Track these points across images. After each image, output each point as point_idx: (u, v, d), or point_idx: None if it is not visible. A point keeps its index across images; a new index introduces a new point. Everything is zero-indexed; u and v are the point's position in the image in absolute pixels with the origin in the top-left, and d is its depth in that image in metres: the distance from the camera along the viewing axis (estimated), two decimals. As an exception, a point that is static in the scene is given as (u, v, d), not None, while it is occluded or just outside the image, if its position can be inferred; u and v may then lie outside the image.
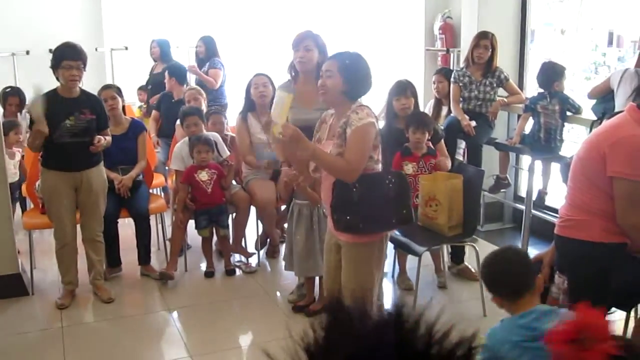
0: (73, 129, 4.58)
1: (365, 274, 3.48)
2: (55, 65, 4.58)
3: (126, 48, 9.06)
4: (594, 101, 5.34)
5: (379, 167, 3.46)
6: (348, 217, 3.36)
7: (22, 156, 5.87)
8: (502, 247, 3.01)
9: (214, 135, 5.40)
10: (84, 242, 4.92)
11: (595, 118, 5.13)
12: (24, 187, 5.78)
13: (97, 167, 4.80)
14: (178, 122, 6.00)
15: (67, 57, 4.54)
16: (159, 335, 4.59)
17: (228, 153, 5.48)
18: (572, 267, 3.31)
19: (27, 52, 8.73)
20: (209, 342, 4.35)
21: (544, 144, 5.41)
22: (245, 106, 5.55)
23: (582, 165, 3.18)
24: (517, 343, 2.50)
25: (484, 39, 5.76)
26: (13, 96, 6.67)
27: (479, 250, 4.65)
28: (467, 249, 5.25)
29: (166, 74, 6.96)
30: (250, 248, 5.74)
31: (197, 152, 5.17)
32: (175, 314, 4.80)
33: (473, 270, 5.21)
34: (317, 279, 4.74)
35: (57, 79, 4.65)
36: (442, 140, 5.02)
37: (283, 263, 4.97)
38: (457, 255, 5.35)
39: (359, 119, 3.27)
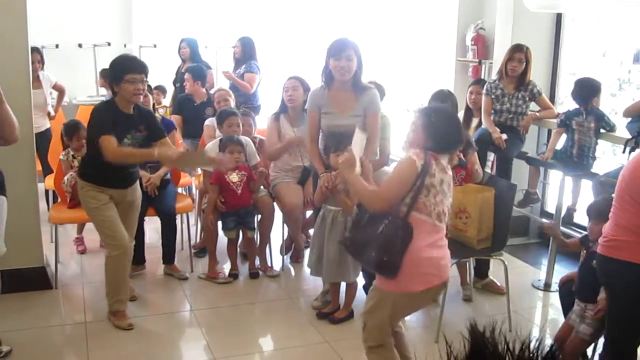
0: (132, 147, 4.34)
1: (378, 317, 3.29)
2: (117, 79, 4.24)
3: (155, 46, 9.08)
4: (627, 119, 5.27)
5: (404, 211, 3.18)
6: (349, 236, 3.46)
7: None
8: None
9: (245, 140, 5.38)
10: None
11: (630, 136, 5.06)
12: (50, 181, 5.79)
13: (137, 182, 4.67)
14: (207, 122, 6.00)
15: (133, 70, 4.22)
16: (181, 335, 4.57)
17: (258, 159, 5.47)
18: (613, 288, 3.26)
19: (57, 46, 8.77)
20: (232, 344, 4.32)
21: (576, 160, 5.35)
22: (280, 107, 5.53)
23: (627, 185, 3.13)
24: None
25: (519, 52, 5.71)
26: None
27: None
28: (492, 264, 5.21)
29: (188, 75, 6.90)
30: (275, 253, 5.71)
31: (229, 153, 5.14)
32: (198, 315, 4.77)
33: (498, 284, 5.17)
34: (343, 285, 4.70)
35: (114, 92, 4.34)
36: (475, 153, 4.97)
37: (307, 268, 4.93)
38: (481, 270, 5.30)
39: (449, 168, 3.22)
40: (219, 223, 5.34)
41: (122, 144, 4.23)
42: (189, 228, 5.74)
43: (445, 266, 3.24)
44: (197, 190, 6.08)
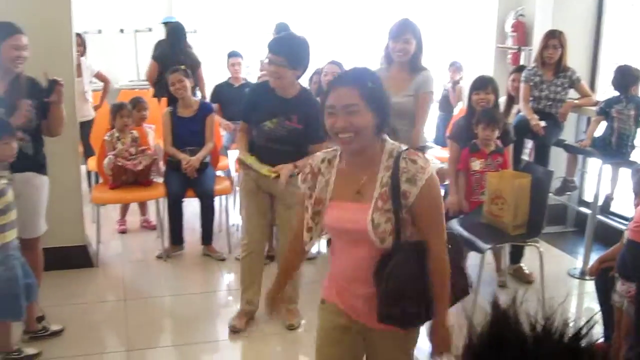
0: (270, 134, 4.07)
1: None
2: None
3: (195, 31, 9.16)
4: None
5: None
6: (405, 307, 2.31)
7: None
8: None
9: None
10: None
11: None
12: (93, 162, 5.91)
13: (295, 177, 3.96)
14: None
15: (269, 49, 4.03)
16: (218, 315, 4.65)
17: None
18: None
19: (99, 32, 8.91)
20: (270, 322, 4.39)
21: (615, 148, 5.31)
22: (316, 91, 5.56)
23: None
24: None
25: (552, 39, 5.66)
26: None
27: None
28: (527, 251, 5.20)
29: (236, 59, 7.01)
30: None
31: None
32: (234, 295, 4.85)
33: (527, 271, 5.17)
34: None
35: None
36: (511, 145, 4.96)
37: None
38: (515, 256, 5.31)
39: (422, 169, 2.29)
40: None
41: (262, 125, 4.07)
42: (227, 210, 5.82)
43: None
44: (237, 174, 6.14)
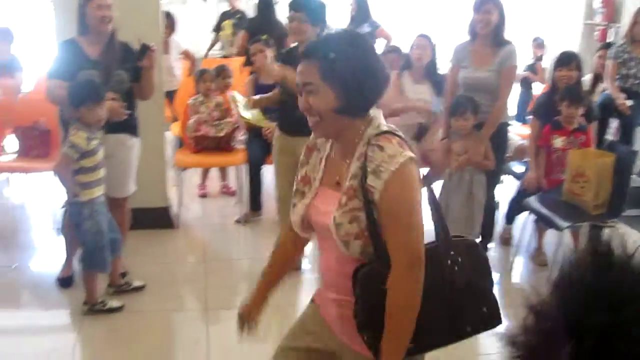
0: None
1: None
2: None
3: (276, 2, 9.21)
4: None
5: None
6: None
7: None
8: None
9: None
10: None
11: None
12: (177, 127, 6.08)
13: None
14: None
15: (290, 7, 4.17)
16: (297, 278, 4.73)
17: None
18: None
19: (184, 2, 9.06)
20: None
21: None
22: (404, 64, 5.57)
23: None
24: None
25: (644, 15, 5.52)
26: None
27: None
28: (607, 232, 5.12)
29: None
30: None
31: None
32: (309, 260, 4.96)
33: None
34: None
35: None
36: (595, 123, 4.88)
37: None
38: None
39: (389, 158, 1.83)
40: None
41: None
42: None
43: None
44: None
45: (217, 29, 8.59)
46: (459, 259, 1.94)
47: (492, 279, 2.04)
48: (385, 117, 5.46)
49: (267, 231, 5.46)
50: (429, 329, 1.88)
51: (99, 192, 3.84)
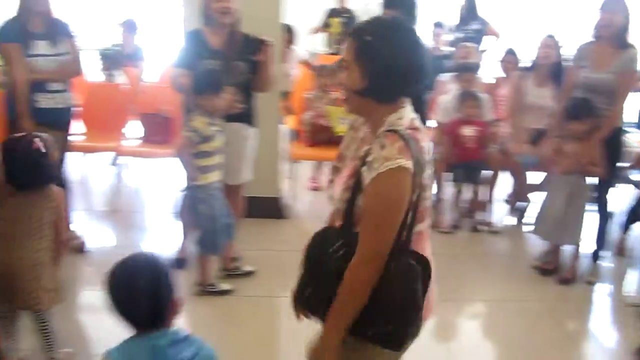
0: None
1: None
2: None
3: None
4: None
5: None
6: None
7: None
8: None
9: (482, 95, 5.46)
10: None
11: None
12: (292, 120, 6.19)
13: None
14: (440, 78, 6.12)
15: (385, 5, 4.27)
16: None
17: (492, 116, 5.51)
18: None
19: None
20: (448, 290, 4.40)
21: None
22: (530, 65, 5.49)
23: None
24: None
25: None
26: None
27: None
28: None
29: (440, 30, 7.07)
30: (499, 209, 5.71)
31: (466, 107, 5.26)
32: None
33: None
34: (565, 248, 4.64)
35: None
36: None
37: (529, 227, 4.91)
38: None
39: (383, 160, 1.86)
40: (448, 175, 5.45)
41: None
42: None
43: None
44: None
45: (325, 25, 8.67)
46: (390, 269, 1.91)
47: (418, 305, 1.94)
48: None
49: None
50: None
51: (215, 177, 3.98)
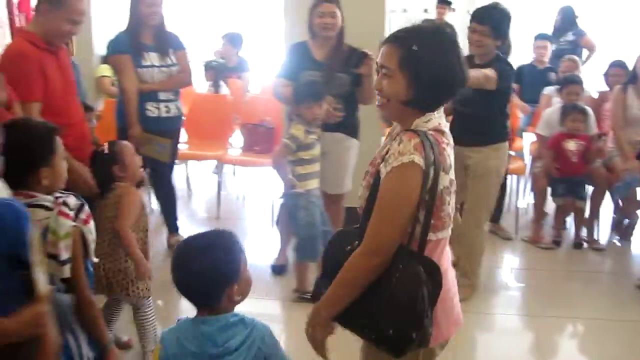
0: (461, 97, 4.02)
1: None
2: None
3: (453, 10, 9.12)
4: None
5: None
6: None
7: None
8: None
9: (587, 108, 5.35)
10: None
11: None
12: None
13: (483, 147, 4.20)
14: (545, 91, 6.03)
15: (473, 19, 4.13)
16: (498, 290, 4.68)
17: (597, 131, 5.39)
18: None
19: (404, 10, 9.20)
20: (547, 305, 4.36)
21: None
22: (629, 78, 5.34)
23: None
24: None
25: None
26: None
27: None
28: None
29: (543, 42, 6.95)
30: (603, 226, 5.56)
31: (570, 121, 5.16)
32: (516, 273, 4.90)
33: None
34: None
35: None
36: None
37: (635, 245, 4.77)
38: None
39: (398, 154, 1.91)
40: (549, 189, 5.34)
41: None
42: (517, 190, 5.81)
43: (455, 296, 2.19)
44: (531, 156, 6.10)
45: None
46: (396, 272, 1.92)
47: (419, 311, 1.90)
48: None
49: (501, 242, 5.47)
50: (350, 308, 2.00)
51: (314, 184, 4.07)
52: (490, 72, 3.95)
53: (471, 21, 4.14)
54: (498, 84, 3.96)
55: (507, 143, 4.31)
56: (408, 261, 1.92)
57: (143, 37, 4.59)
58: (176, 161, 5.11)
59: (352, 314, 2.01)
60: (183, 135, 5.59)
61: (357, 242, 2.00)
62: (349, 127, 4.37)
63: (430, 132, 1.95)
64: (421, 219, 1.93)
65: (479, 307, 4.32)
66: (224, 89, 7.05)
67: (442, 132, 1.99)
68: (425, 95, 1.95)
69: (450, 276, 2.11)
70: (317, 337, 2.08)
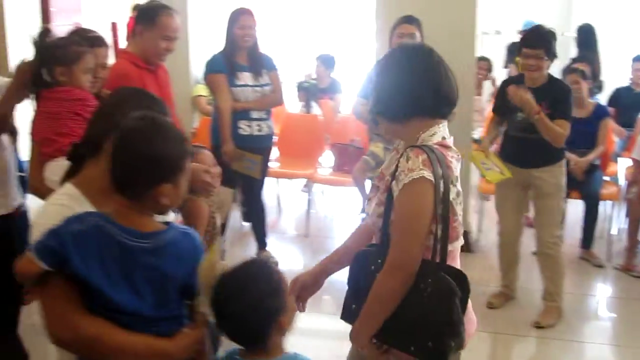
0: (523, 124, 4.21)
1: None
2: (517, 50, 4.40)
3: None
4: None
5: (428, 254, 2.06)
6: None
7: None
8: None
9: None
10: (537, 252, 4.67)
11: None
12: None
13: (550, 167, 4.30)
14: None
15: (526, 45, 4.19)
16: (588, 318, 4.57)
17: None
18: None
19: (497, 32, 9.10)
20: (639, 337, 4.23)
21: None
22: None
23: None
24: None
25: None
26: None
27: None
28: None
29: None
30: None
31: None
32: (605, 302, 4.80)
33: None
34: None
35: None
36: None
37: None
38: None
39: (408, 171, 1.99)
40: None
41: (514, 117, 4.26)
42: (611, 216, 5.66)
43: None
44: (626, 181, 5.94)
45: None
46: (428, 289, 1.99)
47: (455, 321, 1.96)
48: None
49: (592, 269, 5.35)
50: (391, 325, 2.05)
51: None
52: (564, 128, 4.11)
53: (523, 47, 4.18)
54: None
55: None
56: (436, 274, 1.98)
57: (238, 57, 4.77)
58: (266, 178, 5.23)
59: (390, 331, 2.06)
60: (274, 153, 5.71)
61: (380, 261, 2.06)
62: None
63: (436, 146, 2.04)
64: (439, 232, 2.00)
65: (567, 334, 4.24)
66: (316, 109, 7.17)
67: (447, 147, 2.08)
68: (380, 108, 2.16)
69: None
70: (371, 356, 2.15)
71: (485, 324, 4.36)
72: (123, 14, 7.15)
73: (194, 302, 1.89)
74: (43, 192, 2.37)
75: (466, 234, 5.42)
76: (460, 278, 1.99)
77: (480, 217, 5.66)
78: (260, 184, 5.07)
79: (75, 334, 1.68)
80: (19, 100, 2.96)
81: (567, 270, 5.16)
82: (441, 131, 2.10)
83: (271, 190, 6.75)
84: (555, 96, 4.14)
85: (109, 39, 6.34)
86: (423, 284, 1.99)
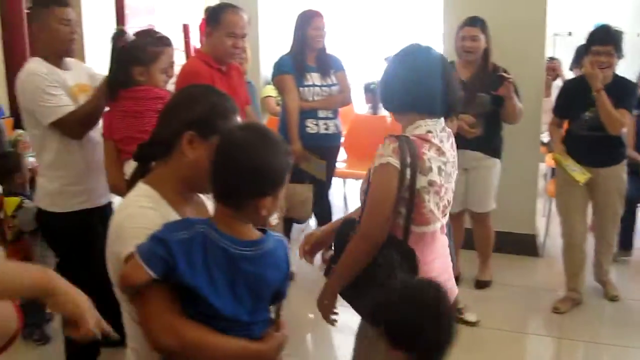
0: (590, 122, 4.22)
1: None
2: (584, 50, 4.31)
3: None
4: None
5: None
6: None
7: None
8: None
9: None
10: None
11: None
12: (550, 158, 6.07)
13: (616, 166, 4.36)
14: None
15: (596, 42, 4.15)
16: (635, 323, 4.42)
17: None
18: None
19: (570, 34, 8.94)
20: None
21: None
22: None
23: None
24: None
25: None
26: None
27: None
28: None
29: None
30: None
31: None
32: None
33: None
34: None
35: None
36: None
37: None
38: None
39: (379, 156, 2.28)
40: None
41: (582, 117, 4.26)
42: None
43: (448, 281, 2.42)
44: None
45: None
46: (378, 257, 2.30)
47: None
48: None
49: (634, 273, 5.26)
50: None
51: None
52: (623, 117, 4.13)
53: (592, 45, 4.16)
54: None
55: None
56: (388, 249, 2.27)
57: (306, 58, 4.83)
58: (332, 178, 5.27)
59: (349, 291, 2.39)
60: (342, 154, 5.73)
61: (357, 230, 2.37)
62: (489, 146, 4.50)
63: (413, 137, 2.27)
64: (403, 213, 2.27)
65: (611, 339, 4.15)
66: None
67: (426, 140, 2.28)
68: (385, 97, 2.48)
69: (436, 266, 2.38)
70: (325, 306, 2.46)
71: (551, 328, 4.34)
72: (195, 15, 7.30)
73: (277, 304, 1.94)
74: (122, 190, 2.43)
75: (532, 238, 5.37)
76: (409, 255, 2.26)
77: (547, 221, 5.57)
78: (327, 184, 5.13)
79: (181, 341, 1.71)
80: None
81: (635, 277, 5.10)
82: (428, 126, 2.31)
83: (338, 190, 6.78)
84: (621, 91, 4.16)
85: (180, 41, 6.55)
86: (378, 253, 2.28)
